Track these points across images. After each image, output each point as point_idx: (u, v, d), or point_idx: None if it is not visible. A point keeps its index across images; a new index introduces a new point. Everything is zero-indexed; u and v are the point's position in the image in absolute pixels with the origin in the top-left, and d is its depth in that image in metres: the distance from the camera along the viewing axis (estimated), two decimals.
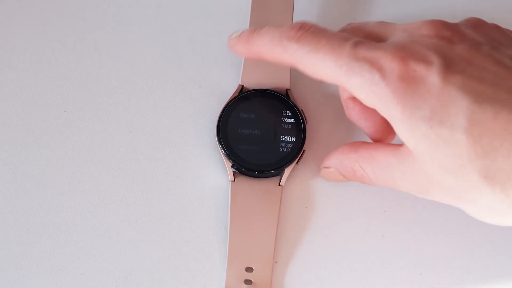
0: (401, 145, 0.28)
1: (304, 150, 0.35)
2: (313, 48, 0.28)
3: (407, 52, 0.27)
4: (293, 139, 0.35)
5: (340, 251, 0.34)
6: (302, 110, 0.36)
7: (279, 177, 0.35)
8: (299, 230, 0.35)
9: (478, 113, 0.25)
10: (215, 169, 0.36)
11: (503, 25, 0.31)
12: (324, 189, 0.36)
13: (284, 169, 0.35)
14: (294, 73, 0.38)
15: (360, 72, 0.27)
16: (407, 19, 0.40)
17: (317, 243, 0.35)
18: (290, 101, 0.36)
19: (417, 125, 0.26)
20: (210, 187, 0.35)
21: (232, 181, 0.35)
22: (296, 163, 0.35)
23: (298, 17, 0.39)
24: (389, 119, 0.27)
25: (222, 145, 0.35)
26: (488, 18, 0.31)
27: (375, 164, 0.30)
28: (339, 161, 0.32)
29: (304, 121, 0.35)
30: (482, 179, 0.26)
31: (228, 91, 0.37)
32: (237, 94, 0.36)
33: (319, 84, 0.38)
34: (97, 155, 0.36)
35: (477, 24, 0.30)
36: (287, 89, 0.36)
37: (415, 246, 0.35)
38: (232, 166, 0.35)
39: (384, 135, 0.33)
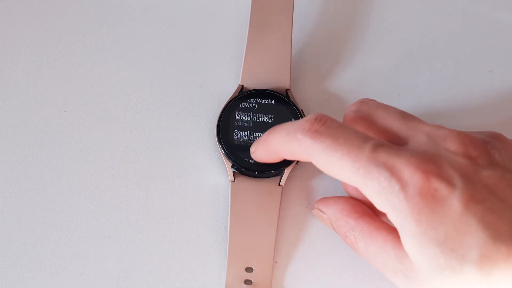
0: (400, 242, 0.28)
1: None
2: (329, 146, 0.27)
3: (431, 167, 0.26)
4: None
5: (340, 251, 0.34)
6: (302, 110, 0.36)
7: (279, 177, 0.35)
8: (299, 230, 0.35)
9: (492, 250, 0.25)
10: (215, 169, 0.36)
11: None
12: (324, 189, 0.36)
13: (284, 169, 0.35)
14: (294, 73, 0.38)
15: (378, 178, 0.26)
16: (407, 18, 0.40)
17: (317, 243, 0.35)
18: (290, 101, 0.36)
19: (428, 246, 0.25)
20: (210, 187, 0.35)
21: (232, 181, 0.35)
22: (296, 163, 0.35)
23: (298, 17, 0.39)
24: (398, 230, 0.27)
25: (222, 145, 0.35)
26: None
27: (370, 243, 0.29)
28: (335, 217, 0.31)
29: None
30: None
31: (228, 91, 0.37)
32: (237, 94, 0.36)
33: (319, 84, 0.38)
34: (97, 155, 0.36)
35: (505, 143, 0.29)
36: (287, 89, 0.36)
37: None
38: (232, 166, 0.35)
39: (376, 213, 0.32)
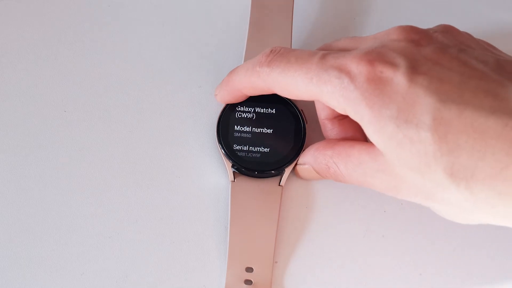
0: (372, 145, 0.29)
1: (304, 150, 0.35)
2: (283, 68, 0.29)
3: (374, 55, 0.28)
4: (293, 139, 0.35)
5: (340, 251, 0.34)
6: (302, 110, 0.36)
7: (279, 177, 0.35)
8: (299, 230, 0.35)
9: (443, 111, 0.26)
10: (215, 169, 0.36)
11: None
12: (324, 189, 0.36)
13: (284, 169, 0.35)
14: None
15: (329, 79, 0.28)
16: (407, 18, 0.40)
17: (317, 243, 0.35)
18: (290, 101, 0.36)
19: (385, 125, 0.27)
20: (210, 187, 0.35)
21: (232, 181, 0.35)
22: (296, 163, 0.35)
23: (298, 17, 0.39)
24: (359, 122, 0.28)
25: (222, 145, 0.35)
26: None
27: (348, 160, 0.30)
28: (314, 157, 0.33)
29: (304, 121, 0.35)
30: (447, 176, 0.26)
31: None
32: None
33: None
34: (97, 155, 0.36)
35: (447, 29, 0.30)
36: None
37: (415, 246, 0.35)
38: (232, 166, 0.35)
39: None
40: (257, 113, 0.36)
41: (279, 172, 0.35)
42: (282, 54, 0.30)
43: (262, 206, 0.34)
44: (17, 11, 0.39)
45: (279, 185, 0.35)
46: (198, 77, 0.38)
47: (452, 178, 0.26)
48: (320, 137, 0.37)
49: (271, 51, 0.30)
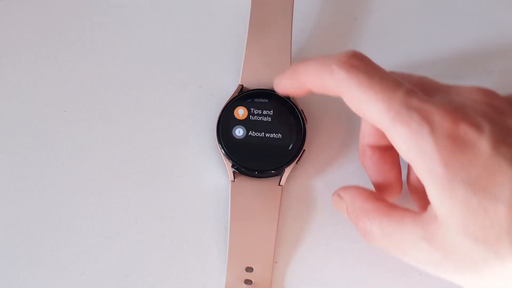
0: (423, 212, 0.27)
1: (304, 150, 0.35)
2: (363, 82, 0.27)
3: (460, 112, 0.26)
4: (293, 139, 0.35)
5: (340, 251, 0.34)
6: (302, 110, 0.36)
7: (279, 177, 0.35)
8: (299, 230, 0.35)
9: None
10: (215, 169, 0.36)
11: None
12: (324, 189, 0.36)
13: (284, 169, 0.35)
14: None
15: (408, 121, 0.26)
16: (407, 18, 0.40)
17: (317, 243, 0.35)
18: (290, 101, 0.36)
19: (457, 188, 0.25)
20: (210, 187, 0.35)
21: (232, 181, 0.35)
22: (296, 163, 0.35)
23: (298, 17, 0.39)
24: (425, 177, 0.26)
25: (222, 145, 0.35)
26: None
27: (386, 220, 0.28)
28: (352, 200, 0.31)
29: (304, 121, 0.35)
30: None
31: (228, 91, 0.37)
32: (237, 94, 0.36)
33: None
34: (97, 155, 0.36)
35: None
36: None
37: None
38: (232, 166, 0.35)
39: (388, 193, 0.32)
40: (257, 113, 0.36)
41: (279, 172, 0.35)
42: (367, 64, 0.28)
43: (262, 206, 0.34)
44: (17, 11, 0.39)
45: (279, 185, 0.35)
46: (198, 77, 0.38)
47: None
48: (320, 137, 0.37)
49: (354, 54, 0.28)
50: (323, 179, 0.36)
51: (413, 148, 0.26)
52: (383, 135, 0.31)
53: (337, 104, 0.38)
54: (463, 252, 0.26)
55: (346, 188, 0.32)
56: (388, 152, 0.32)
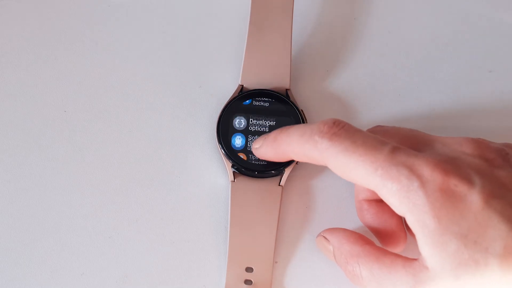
0: (414, 259, 0.28)
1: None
2: (347, 148, 0.27)
3: (449, 166, 0.26)
4: None
5: None
6: (302, 110, 0.36)
7: (279, 177, 0.35)
8: (299, 230, 0.35)
9: None
10: (215, 169, 0.36)
11: None
12: (324, 189, 0.36)
13: (284, 169, 0.35)
14: (294, 73, 0.38)
15: (398, 177, 0.26)
16: (407, 18, 0.40)
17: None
18: (290, 101, 0.36)
19: (449, 241, 0.25)
20: (210, 187, 0.35)
21: (232, 181, 0.35)
22: (296, 163, 0.35)
23: (298, 17, 0.39)
24: (417, 230, 0.26)
25: (222, 145, 0.35)
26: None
27: (376, 267, 0.28)
28: (340, 243, 0.31)
29: (304, 121, 0.35)
30: None
31: (228, 91, 0.37)
32: (237, 94, 0.36)
33: (319, 84, 0.38)
34: (97, 155, 0.36)
35: None
36: (287, 89, 0.36)
37: (414, 245, 0.34)
38: (232, 166, 0.35)
39: (394, 242, 0.32)
40: (257, 113, 0.36)
41: (279, 172, 0.35)
42: (348, 131, 0.28)
43: (262, 206, 0.34)
44: (17, 11, 0.39)
45: (279, 185, 0.35)
46: (198, 77, 0.38)
47: None
48: None
49: (334, 123, 0.28)
50: (323, 179, 0.36)
51: (404, 203, 0.26)
52: None
53: (337, 104, 0.38)
54: None
55: (332, 230, 0.32)
56: (384, 202, 0.32)
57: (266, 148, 0.32)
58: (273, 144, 0.31)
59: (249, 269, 0.33)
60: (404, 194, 0.26)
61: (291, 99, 0.36)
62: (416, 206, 0.26)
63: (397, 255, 0.29)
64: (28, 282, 0.33)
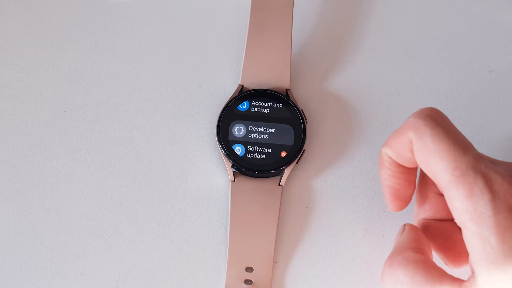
0: (464, 280, 0.27)
1: (304, 150, 0.35)
2: (438, 134, 0.27)
3: None
4: (293, 139, 0.35)
5: (340, 251, 0.34)
6: (302, 110, 0.36)
7: (279, 177, 0.35)
8: (299, 230, 0.35)
9: None
10: (215, 169, 0.36)
11: None
12: (324, 189, 0.36)
13: (284, 169, 0.35)
14: (294, 73, 0.38)
15: (472, 184, 0.26)
16: (407, 18, 0.40)
17: (317, 243, 0.35)
18: (290, 101, 0.36)
19: (510, 265, 0.25)
20: (210, 187, 0.35)
21: (232, 181, 0.35)
22: (296, 163, 0.35)
23: (298, 17, 0.39)
24: (475, 243, 0.26)
25: (222, 145, 0.35)
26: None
27: (421, 273, 0.27)
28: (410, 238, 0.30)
29: (304, 121, 0.35)
30: None
31: (228, 91, 0.37)
32: (237, 94, 0.36)
33: (319, 84, 0.38)
34: (97, 155, 0.36)
35: None
36: (287, 89, 0.36)
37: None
38: (232, 166, 0.35)
39: (457, 260, 0.31)
40: (257, 113, 0.36)
41: (279, 172, 0.35)
42: (444, 119, 0.28)
43: (262, 206, 0.34)
44: (17, 11, 0.39)
45: (279, 185, 0.35)
46: (198, 77, 0.38)
47: None
48: (320, 137, 0.37)
49: (432, 109, 0.28)
50: (323, 179, 0.36)
51: (469, 211, 0.26)
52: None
53: (337, 104, 0.38)
54: None
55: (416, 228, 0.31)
56: (442, 196, 0.31)
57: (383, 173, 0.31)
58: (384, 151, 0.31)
59: (249, 269, 0.33)
60: (472, 203, 0.26)
61: (291, 99, 0.36)
62: (482, 218, 0.25)
63: (449, 274, 0.28)
64: (28, 282, 0.33)
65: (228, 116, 0.35)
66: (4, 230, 0.34)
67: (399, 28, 0.40)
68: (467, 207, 0.26)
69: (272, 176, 0.35)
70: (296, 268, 0.34)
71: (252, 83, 0.36)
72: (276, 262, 0.34)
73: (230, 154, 0.35)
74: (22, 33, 0.39)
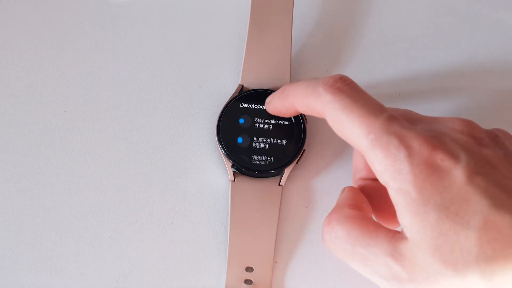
0: (398, 231, 0.28)
1: (304, 150, 0.35)
2: (347, 105, 0.28)
3: (438, 141, 0.27)
4: (293, 139, 0.35)
5: None
6: None
7: (279, 177, 0.35)
8: (299, 230, 0.35)
9: (496, 217, 0.25)
10: (215, 169, 0.36)
11: None
12: (324, 189, 0.36)
13: (284, 169, 0.35)
14: (294, 73, 0.38)
15: (387, 145, 0.27)
16: (407, 18, 0.40)
17: (317, 243, 0.35)
18: None
19: (430, 211, 0.26)
20: (210, 187, 0.35)
21: (232, 181, 0.35)
22: (296, 163, 0.35)
23: (298, 17, 0.39)
24: (398, 198, 0.27)
25: (222, 145, 0.35)
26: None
27: (357, 228, 0.28)
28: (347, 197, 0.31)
29: (304, 121, 0.35)
30: (485, 282, 0.25)
31: (228, 91, 0.37)
32: (237, 94, 0.36)
33: None
34: (97, 155, 0.36)
35: (508, 136, 0.30)
36: None
37: None
38: (232, 166, 0.35)
39: (389, 218, 0.31)
40: (257, 113, 0.36)
41: (279, 172, 0.35)
42: (352, 89, 0.29)
43: (262, 206, 0.34)
44: (17, 11, 0.39)
45: (279, 185, 0.35)
46: (198, 77, 0.38)
47: (489, 284, 0.25)
48: (320, 137, 0.37)
49: (340, 78, 0.29)
50: (323, 179, 0.36)
51: (389, 170, 0.27)
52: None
53: None
54: (430, 273, 0.26)
55: (349, 190, 0.32)
56: (380, 183, 0.32)
57: (276, 101, 0.33)
58: (281, 96, 0.32)
59: (249, 269, 0.33)
60: (390, 162, 0.27)
61: None
62: (400, 174, 0.27)
63: (384, 227, 0.29)
64: (28, 282, 0.33)
65: (228, 116, 0.35)
66: (4, 230, 0.34)
67: (399, 28, 0.40)
68: (386, 167, 0.27)
69: (272, 176, 0.35)
70: (296, 268, 0.34)
71: (252, 83, 0.36)
72: (276, 262, 0.34)
73: (230, 154, 0.35)
74: (22, 33, 0.39)
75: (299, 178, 0.36)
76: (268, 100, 0.34)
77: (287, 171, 0.35)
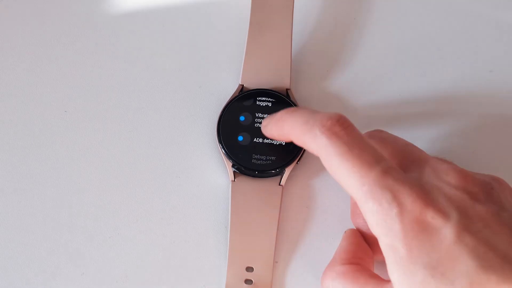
0: (388, 281, 0.28)
1: (304, 150, 0.35)
2: (342, 153, 0.28)
3: (430, 198, 0.27)
4: None
5: None
6: None
7: (279, 177, 0.35)
8: (299, 230, 0.35)
9: (481, 279, 0.25)
10: (215, 169, 0.36)
11: None
12: (324, 189, 0.36)
13: (284, 169, 0.35)
14: (294, 73, 0.38)
15: (380, 199, 0.27)
16: (407, 19, 0.40)
17: (317, 243, 0.35)
18: (291, 101, 0.36)
19: (417, 270, 0.26)
20: (210, 187, 0.35)
21: (232, 181, 0.35)
22: (296, 163, 0.35)
23: (298, 17, 0.39)
24: (388, 254, 0.27)
25: (222, 145, 0.35)
26: None
27: (349, 282, 0.30)
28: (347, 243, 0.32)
29: None
30: None
31: (228, 91, 0.37)
32: (237, 94, 0.36)
33: (319, 84, 0.38)
34: (97, 155, 0.36)
35: (504, 187, 0.30)
36: (287, 89, 0.36)
37: None
38: (232, 166, 0.35)
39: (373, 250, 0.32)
40: (258, 112, 0.36)
41: (279, 172, 0.35)
42: (349, 134, 0.28)
43: (262, 206, 0.34)
44: (17, 11, 0.39)
45: (279, 185, 0.35)
46: (198, 77, 0.38)
47: None
48: None
49: (338, 120, 0.28)
50: (323, 179, 0.36)
51: (380, 225, 0.27)
52: None
53: (337, 104, 0.38)
54: None
55: (351, 234, 0.33)
56: None
57: (272, 128, 0.32)
58: (278, 124, 0.31)
59: (249, 269, 0.33)
60: (382, 217, 0.27)
61: (291, 98, 0.36)
62: (391, 231, 0.27)
63: (375, 276, 0.29)
64: (28, 282, 0.33)
65: (229, 116, 0.35)
66: (4, 230, 0.34)
67: (399, 28, 0.40)
68: (378, 221, 0.27)
69: (273, 176, 0.35)
70: (296, 268, 0.34)
71: (252, 83, 0.36)
72: (276, 262, 0.34)
73: (230, 154, 0.35)
74: (22, 33, 0.39)
75: (299, 178, 0.36)
76: (264, 123, 0.33)
77: (288, 171, 0.35)
